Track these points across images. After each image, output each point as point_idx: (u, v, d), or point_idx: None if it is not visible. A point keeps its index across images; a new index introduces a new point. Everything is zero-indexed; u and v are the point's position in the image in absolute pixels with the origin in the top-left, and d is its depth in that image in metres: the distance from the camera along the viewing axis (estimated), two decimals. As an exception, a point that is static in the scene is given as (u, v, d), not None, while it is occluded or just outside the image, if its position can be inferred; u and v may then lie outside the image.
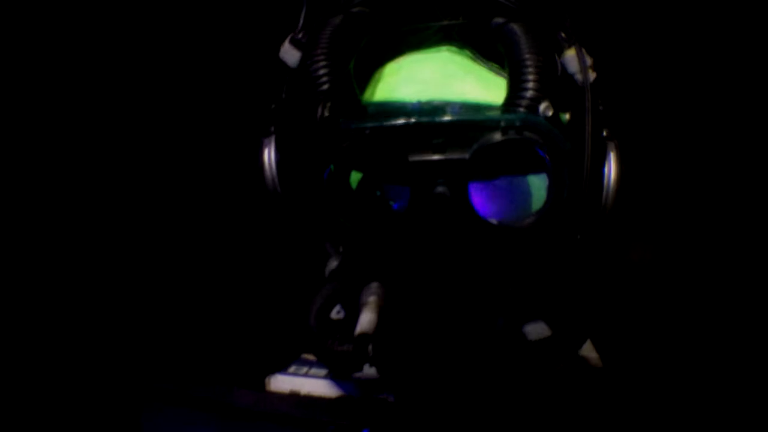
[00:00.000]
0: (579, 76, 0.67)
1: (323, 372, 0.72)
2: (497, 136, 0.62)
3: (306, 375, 0.72)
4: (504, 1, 0.68)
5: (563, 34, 0.68)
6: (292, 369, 0.73)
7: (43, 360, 0.87)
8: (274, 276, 0.91)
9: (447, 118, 0.62)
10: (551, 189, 0.65)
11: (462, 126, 0.62)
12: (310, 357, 0.75)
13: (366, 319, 0.60)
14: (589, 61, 0.68)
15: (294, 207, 0.70)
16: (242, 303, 0.93)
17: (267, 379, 0.72)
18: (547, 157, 0.63)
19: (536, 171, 0.68)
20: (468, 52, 0.71)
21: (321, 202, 0.66)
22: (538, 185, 0.69)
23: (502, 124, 0.62)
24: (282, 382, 0.72)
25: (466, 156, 0.62)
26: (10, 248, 0.93)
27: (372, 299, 0.63)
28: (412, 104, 0.66)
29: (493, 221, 0.64)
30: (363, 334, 0.59)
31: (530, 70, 0.64)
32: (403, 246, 0.64)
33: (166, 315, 0.93)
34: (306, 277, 0.71)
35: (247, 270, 0.96)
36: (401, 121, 0.62)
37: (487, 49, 0.71)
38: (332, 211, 0.66)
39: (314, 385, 0.71)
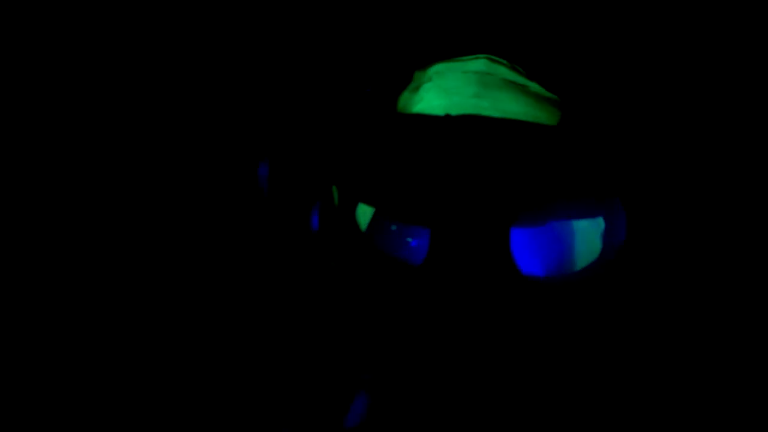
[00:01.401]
0: None
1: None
2: (556, 171, 0.47)
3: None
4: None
5: None
6: None
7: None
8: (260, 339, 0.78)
9: (484, 139, 0.48)
10: (610, 235, 0.51)
11: (507, 152, 0.47)
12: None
13: (359, 408, 0.47)
14: None
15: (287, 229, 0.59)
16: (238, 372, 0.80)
17: None
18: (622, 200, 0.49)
19: (590, 215, 0.53)
20: (507, 63, 0.57)
21: (322, 240, 0.53)
22: (585, 231, 0.55)
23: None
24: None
25: (511, 192, 0.47)
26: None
27: (369, 378, 0.50)
28: (439, 119, 0.51)
29: (538, 277, 0.49)
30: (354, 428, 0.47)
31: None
32: (418, 305, 0.49)
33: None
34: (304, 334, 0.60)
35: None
36: (425, 139, 0.48)
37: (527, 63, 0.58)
38: (333, 250, 0.53)
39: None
